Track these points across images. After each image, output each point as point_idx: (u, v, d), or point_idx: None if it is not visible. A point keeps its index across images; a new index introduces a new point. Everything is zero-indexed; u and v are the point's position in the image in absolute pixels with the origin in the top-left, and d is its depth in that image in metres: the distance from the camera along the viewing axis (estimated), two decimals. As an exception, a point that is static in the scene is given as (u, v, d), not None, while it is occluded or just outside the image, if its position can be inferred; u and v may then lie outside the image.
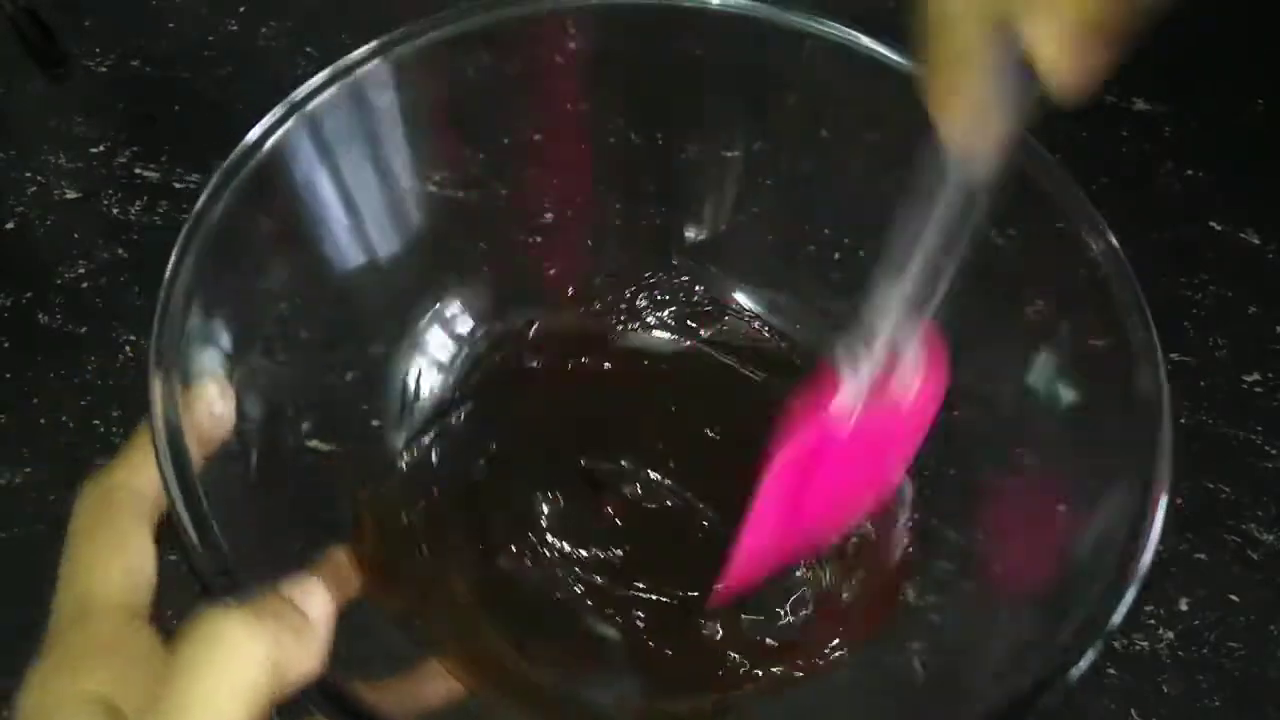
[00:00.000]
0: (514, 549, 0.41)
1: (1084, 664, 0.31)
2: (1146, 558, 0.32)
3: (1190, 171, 0.55)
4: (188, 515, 0.31)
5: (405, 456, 0.43)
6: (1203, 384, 0.48)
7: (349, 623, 0.37)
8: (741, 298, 0.49)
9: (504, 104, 0.45)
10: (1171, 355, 0.49)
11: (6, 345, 0.47)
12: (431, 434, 0.44)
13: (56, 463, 0.44)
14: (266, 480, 0.38)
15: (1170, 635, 0.42)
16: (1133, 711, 0.40)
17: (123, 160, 0.53)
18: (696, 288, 0.49)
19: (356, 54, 0.39)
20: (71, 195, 0.52)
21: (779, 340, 0.47)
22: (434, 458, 0.43)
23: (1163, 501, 0.33)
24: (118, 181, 0.52)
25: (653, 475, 0.43)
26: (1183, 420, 0.47)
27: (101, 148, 0.53)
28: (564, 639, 0.40)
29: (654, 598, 0.40)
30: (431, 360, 0.46)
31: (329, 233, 0.41)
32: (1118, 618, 0.31)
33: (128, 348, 0.47)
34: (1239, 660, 0.41)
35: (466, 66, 0.42)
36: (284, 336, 0.40)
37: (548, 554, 0.41)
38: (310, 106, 0.38)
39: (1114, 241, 0.38)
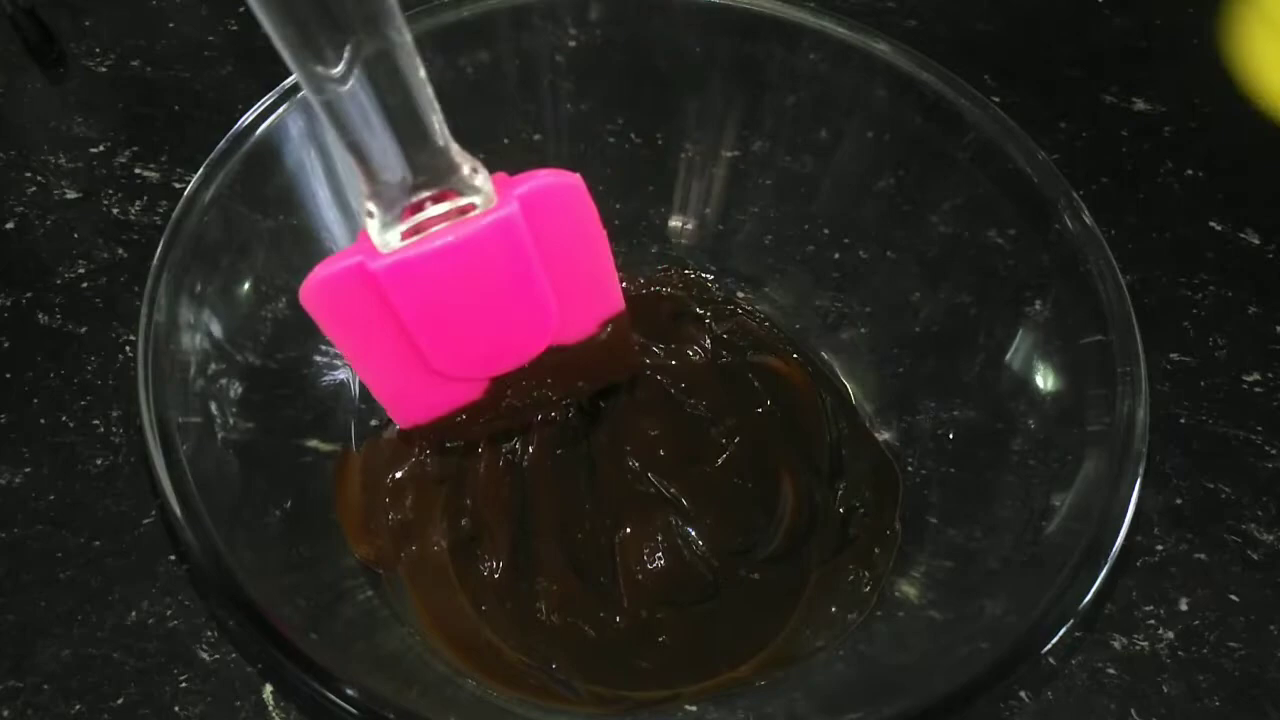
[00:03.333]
0: (491, 516, 0.42)
1: (1054, 642, 0.31)
2: (1119, 539, 0.32)
3: (1190, 171, 0.55)
4: (180, 510, 0.31)
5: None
6: (1203, 384, 0.48)
7: (317, 578, 0.38)
8: (740, 296, 0.49)
9: (498, 98, 0.45)
10: (1171, 355, 0.49)
11: (6, 345, 0.47)
12: None
13: (56, 463, 0.44)
14: (263, 478, 0.38)
15: (1170, 635, 0.42)
16: (1132, 711, 0.40)
17: (123, 160, 0.53)
18: (694, 289, 0.49)
19: None
20: (71, 195, 0.52)
21: (781, 340, 0.48)
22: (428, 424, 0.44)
23: (1137, 484, 0.33)
24: (117, 181, 0.52)
25: (633, 463, 0.43)
26: (1183, 420, 0.47)
27: (101, 148, 0.53)
28: (526, 613, 0.40)
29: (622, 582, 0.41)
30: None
31: (321, 223, 0.41)
32: (1089, 597, 0.31)
33: (127, 348, 0.47)
34: (1239, 660, 0.41)
35: (459, 58, 0.42)
36: (276, 330, 0.40)
37: (525, 517, 0.42)
38: (302, 94, 0.38)
39: (1090, 222, 0.38)
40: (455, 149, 0.31)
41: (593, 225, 0.36)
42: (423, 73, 0.29)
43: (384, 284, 0.32)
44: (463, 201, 0.32)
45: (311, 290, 0.33)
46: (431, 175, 0.31)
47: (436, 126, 0.30)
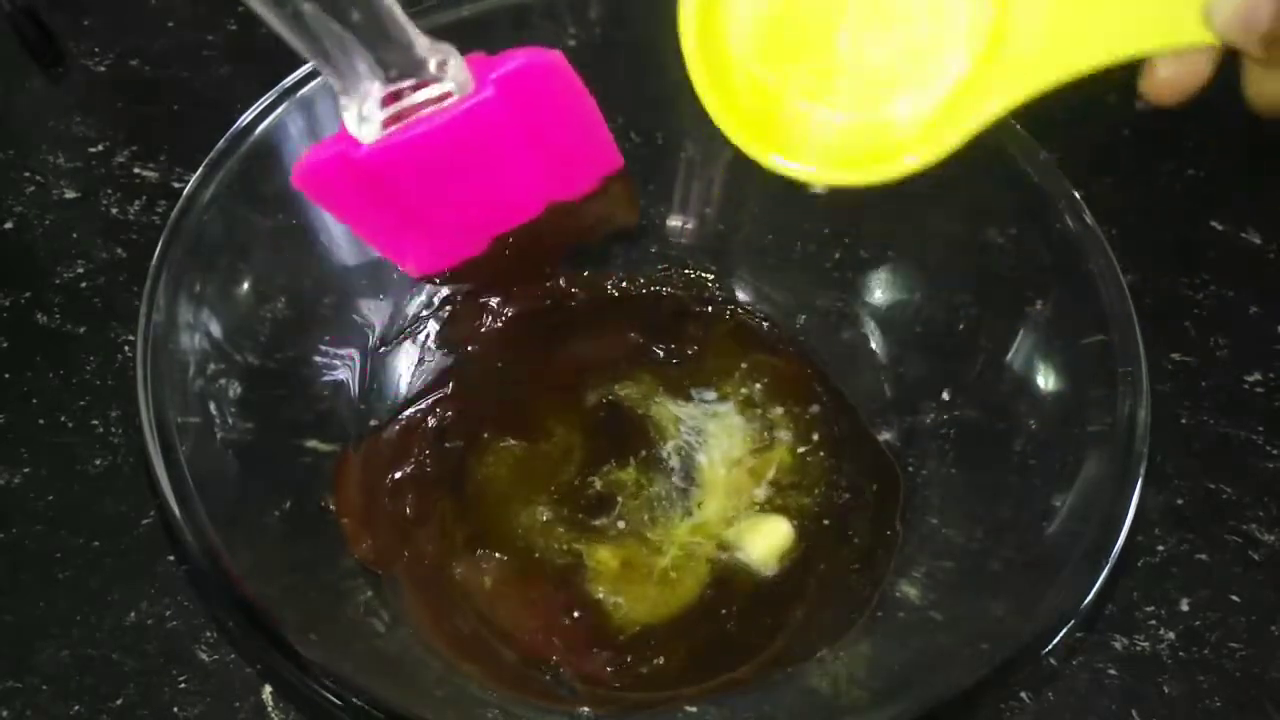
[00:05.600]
0: (490, 516, 0.42)
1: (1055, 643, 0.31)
2: (1120, 540, 0.32)
3: (1191, 171, 0.55)
4: (179, 510, 0.31)
5: (400, 420, 0.44)
6: (1204, 384, 0.48)
7: (316, 579, 0.38)
8: (740, 296, 0.49)
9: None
10: (1173, 355, 0.49)
11: (5, 345, 0.47)
12: (426, 403, 0.44)
13: (55, 463, 0.44)
14: (262, 479, 0.38)
15: (1171, 636, 0.42)
16: (1133, 712, 0.40)
17: (121, 160, 0.53)
18: (694, 289, 0.49)
19: None
20: (70, 195, 0.52)
21: (781, 340, 0.48)
22: (428, 422, 0.44)
23: (1139, 484, 0.33)
24: (116, 181, 0.52)
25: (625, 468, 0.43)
26: (1183, 420, 0.47)
27: (100, 147, 0.53)
28: (525, 613, 0.40)
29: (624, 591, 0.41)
30: (428, 354, 0.46)
31: (321, 223, 0.41)
32: (1090, 598, 0.31)
33: (126, 348, 0.47)
34: (1240, 661, 0.41)
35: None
36: (276, 330, 0.40)
37: (525, 519, 0.42)
38: (301, 93, 0.38)
39: (1090, 221, 0.38)
40: (422, 45, 0.32)
41: (578, 96, 0.37)
42: None
43: (368, 169, 0.34)
44: (439, 90, 0.33)
45: (300, 177, 0.35)
46: (401, 69, 0.32)
47: (398, 25, 0.31)
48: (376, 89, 0.32)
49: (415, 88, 0.33)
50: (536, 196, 0.38)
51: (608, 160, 0.40)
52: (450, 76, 0.33)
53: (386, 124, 0.33)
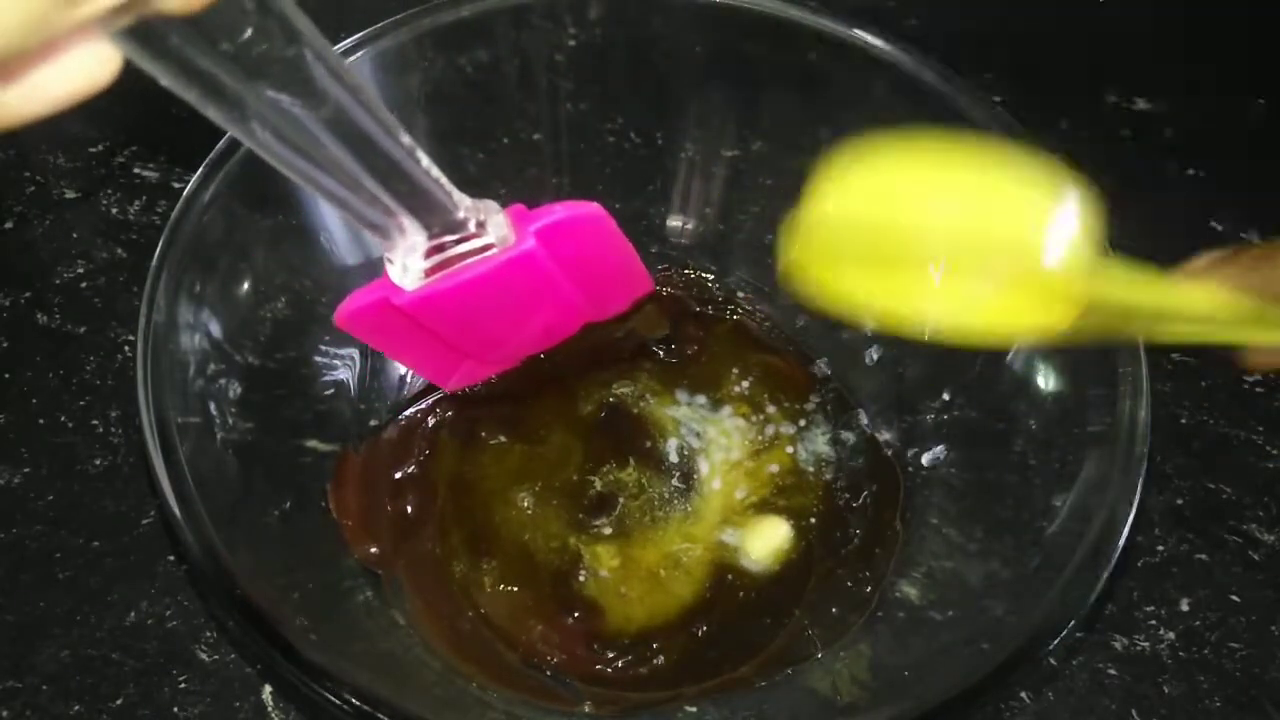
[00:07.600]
0: (487, 517, 0.42)
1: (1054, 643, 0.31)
2: (1121, 540, 0.32)
3: (1190, 171, 0.55)
4: (179, 510, 0.31)
5: (400, 420, 0.44)
6: (1204, 384, 0.48)
7: (316, 579, 0.38)
8: (740, 296, 0.48)
9: (497, 97, 0.44)
10: (1173, 355, 0.49)
11: (5, 345, 0.47)
12: (426, 403, 0.44)
13: (55, 463, 0.44)
14: (262, 479, 0.38)
15: (1171, 636, 0.42)
16: (1133, 712, 0.40)
17: (122, 160, 0.53)
18: (694, 289, 0.49)
19: (344, 44, 0.40)
20: (70, 195, 0.52)
21: (781, 340, 0.47)
22: (428, 422, 0.44)
23: (1139, 485, 0.33)
24: (116, 181, 0.52)
25: (630, 467, 0.43)
26: (1183, 420, 0.47)
27: (100, 147, 0.53)
28: (525, 613, 0.40)
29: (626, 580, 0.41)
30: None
31: (321, 223, 0.41)
32: (1090, 600, 0.31)
33: (126, 348, 0.47)
34: (1240, 661, 0.41)
35: (459, 58, 0.42)
36: (276, 330, 0.40)
37: (525, 519, 0.42)
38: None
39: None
40: (465, 206, 0.33)
41: (615, 240, 0.39)
42: (421, 157, 0.30)
43: (410, 313, 0.35)
44: (481, 242, 0.34)
45: (344, 319, 0.36)
46: (444, 228, 0.33)
47: (442, 192, 0.32)
48: (420, 243, 0.33)
49: (458, 241, 0.34)
50: (573, 320, 0.41)
51: (641, 285, 0.42)
52: (491, 232, 0.34)
53: (429, 273, 0.34)
